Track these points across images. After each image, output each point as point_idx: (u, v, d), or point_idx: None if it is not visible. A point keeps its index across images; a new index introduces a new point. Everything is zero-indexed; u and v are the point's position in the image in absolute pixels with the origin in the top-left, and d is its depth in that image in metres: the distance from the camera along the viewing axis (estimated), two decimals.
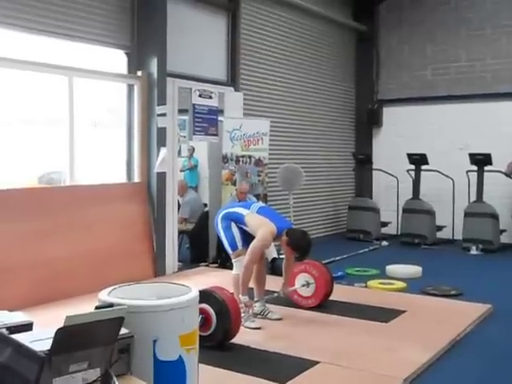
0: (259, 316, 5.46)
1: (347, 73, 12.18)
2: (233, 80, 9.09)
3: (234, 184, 8.50)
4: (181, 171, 10.19)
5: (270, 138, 9.10)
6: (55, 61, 6.63)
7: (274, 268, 7.15)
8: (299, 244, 5.30)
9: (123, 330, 2.67)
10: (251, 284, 5.47)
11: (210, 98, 8.39)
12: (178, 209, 8.47)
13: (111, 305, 2.85)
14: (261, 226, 5.32)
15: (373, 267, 8.03)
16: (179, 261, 8.08)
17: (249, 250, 5.24)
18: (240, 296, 5.23)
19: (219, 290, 4.75)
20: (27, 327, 2.89)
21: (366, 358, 4.49)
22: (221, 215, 5.60)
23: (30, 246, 6.06)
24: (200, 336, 3.40)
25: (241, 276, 5.26)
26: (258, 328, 5.18)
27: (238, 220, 5.45)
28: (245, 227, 5.42)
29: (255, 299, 5.54)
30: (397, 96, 11.87)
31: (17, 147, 6.52)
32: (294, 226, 5.98)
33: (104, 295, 3.13)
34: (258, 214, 5.49)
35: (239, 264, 5.34)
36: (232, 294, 4.92)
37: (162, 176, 7.60)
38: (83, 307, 3.10)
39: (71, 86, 6.76)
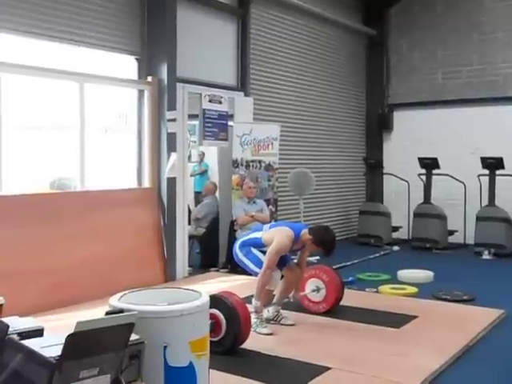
0: (272, 322, 5.44)
1: (358, 77, 12.15)
2: (243, 85, 9.10)
3: None
4: (191, 176, 10.22)
5: (280, 143, 9.09)
6: (66, 67, 6.67)
7: None
8: (324, 239, 5.27)
9: (134, 336, 2.66)
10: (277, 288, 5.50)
11: (220, 103, 8.40)
12: (189, 214, 8.47)
13: (121, 310, 2.84)
14: (276, 234, 5.33)
15: (384, 272, 7.98)
16: (189, 266, 8.08)
17: (266, 255, 5.23)
18: (253, 300, 5.23)
19: (229, 294, 4.74)
20: (38, 333, 2.89)
21: (378, 364, 4.45)
22: (237, 246, 5.56)
23: (40, 251, 6.07)
24: (210, 341, 3.38)
25: (257, 280, 5.24)
26: (270, 334, 5.16)
27: (257, 244, 5.44)
28: (265, 248, 5.36)
29: (273, 301, 5.54)
30: (407, 100, 11.84)
31: (28, 153, 6.55)
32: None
33: (114, 301, 3.12)
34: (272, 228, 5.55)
35: (273, 278, 5.32)
36: (242, 298, 4.90)
37: (172, 181, 7.60)
38: (94, 313, 3.10)
39: (82, 92, 6.79)
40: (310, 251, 5.55)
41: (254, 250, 5.42)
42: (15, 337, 2.62)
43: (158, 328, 2.97)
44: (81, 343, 2.35)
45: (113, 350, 2.50)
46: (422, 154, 10.69)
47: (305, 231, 5.37)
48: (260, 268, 5.27)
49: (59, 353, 2.33)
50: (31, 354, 2.38)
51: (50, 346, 2.47)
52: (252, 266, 5.39)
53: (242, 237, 5.75)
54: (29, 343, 2.51)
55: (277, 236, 5.27)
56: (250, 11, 9.15)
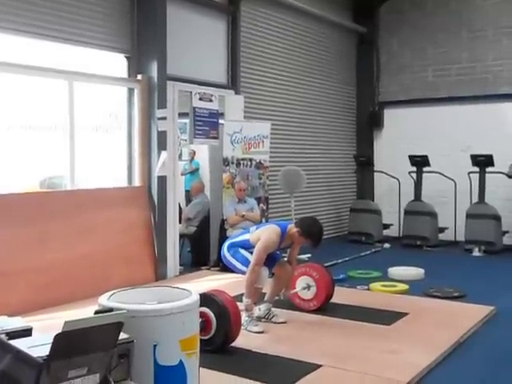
0: (263, 320, 5.43)
1: (348, 75, 12.17)
2: (233, 83, 9.08)
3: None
4: (182, 175, 10.18)
5: (271, 141, 9.09)
6: (55, 65, 6.63)
7: None
8: (312, 230, 5.30)
9: (123, 335, 2.64)
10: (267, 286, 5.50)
11: (211, 101, 8.36)
12: (180, 212, 8.45)
13: (111, 309, 2.82)
14: (263, 232, 5.35)
15: (375, 269, 7.99)
16: (180, 264, 8.06)
17: (254, 252, 5.23)
18: (243, 298, 5.22)
19: (219, 293, 4.73)
20: (26, 333, 2.87)
21: (369, 361, 4.46)
22: (225, 247, 5.56)
23: (30, 250, 6.04)
24: (200, 340, 3.37)
25: (246, 278, 5.23)
26: (261, 332, 5.15)
27: (245, 245, 5.44)
28: (253, 249, 5.33)
29: (264, 299, 5.54)
30: (398, 98, 11.87)
31: (18, 152, 6.50)
32: None
33: (104, 300, 3.10)
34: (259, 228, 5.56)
35: (261, 275, 5.30)
36: (232, 297, 4.90)
37: (162, 180, 7.58)
38: (83, 312, 3.08)
39: (71, 91, 6.75)
40: (299, 245, 5.54)
41: (242, 250, 5.42)
42: (3, 337, 2.60)
43: (147, 327, 2.95)
44: (69, 343, 2.33)
45: (102, 349, 2.48)
46: (412, 151, 10.73)
47: (291, 225, 5.41)
48: (247, 266, 5.26)
49: (47, 352, 2.31)
50: (19, 354, 2.36)
51: (37, 345, 2.45)
52: (240, 266, 5.39)
53: (230, 239, 5.76)
54: (16, 343, 2.49)
55: (264, 233, 5.30)
56: (240, 9, 9.13)
